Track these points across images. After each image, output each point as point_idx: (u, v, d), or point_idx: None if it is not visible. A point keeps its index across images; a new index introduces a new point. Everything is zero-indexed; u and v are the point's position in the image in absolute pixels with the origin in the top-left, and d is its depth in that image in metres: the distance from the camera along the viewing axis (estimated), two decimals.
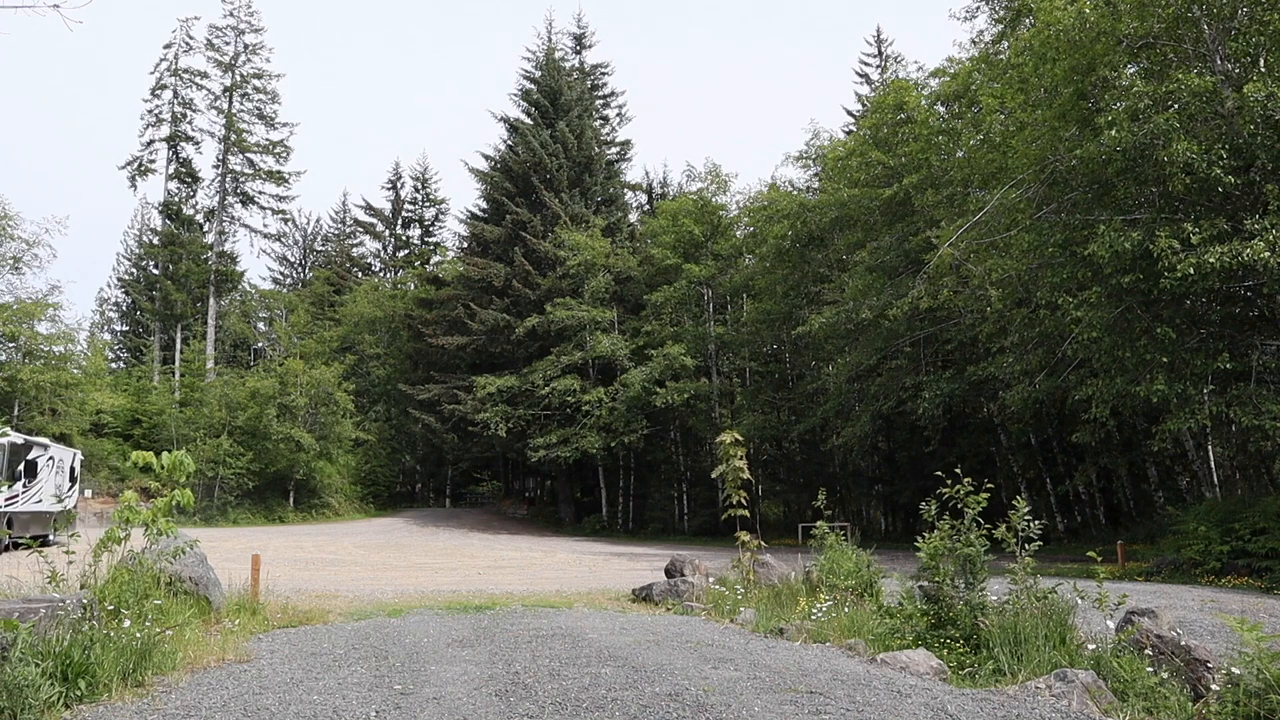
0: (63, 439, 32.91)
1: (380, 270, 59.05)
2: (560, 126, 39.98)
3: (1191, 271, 13.20)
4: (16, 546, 18.19)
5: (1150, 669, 6.40)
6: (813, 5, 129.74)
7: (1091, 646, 6.85)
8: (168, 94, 47.88)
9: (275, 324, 52.50)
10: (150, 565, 7.76)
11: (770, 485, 37.02)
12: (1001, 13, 22.64)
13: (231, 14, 48.83)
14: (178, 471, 8.24)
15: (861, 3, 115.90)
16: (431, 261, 55.46)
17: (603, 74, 47.63)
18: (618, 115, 48.01)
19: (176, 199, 48.19)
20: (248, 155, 48.50)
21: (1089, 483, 25.40)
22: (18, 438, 21.09)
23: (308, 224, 63.99)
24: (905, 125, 26.97)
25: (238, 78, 48.32)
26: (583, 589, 13.35)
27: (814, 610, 9.00)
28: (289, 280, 62.09)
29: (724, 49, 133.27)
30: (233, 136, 47.86)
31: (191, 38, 48.38)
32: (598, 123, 44.83)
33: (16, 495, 20.47)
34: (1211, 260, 13.01)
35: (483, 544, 28.43)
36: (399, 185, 58.69)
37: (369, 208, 58.89)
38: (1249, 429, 14.90)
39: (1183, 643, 6.78)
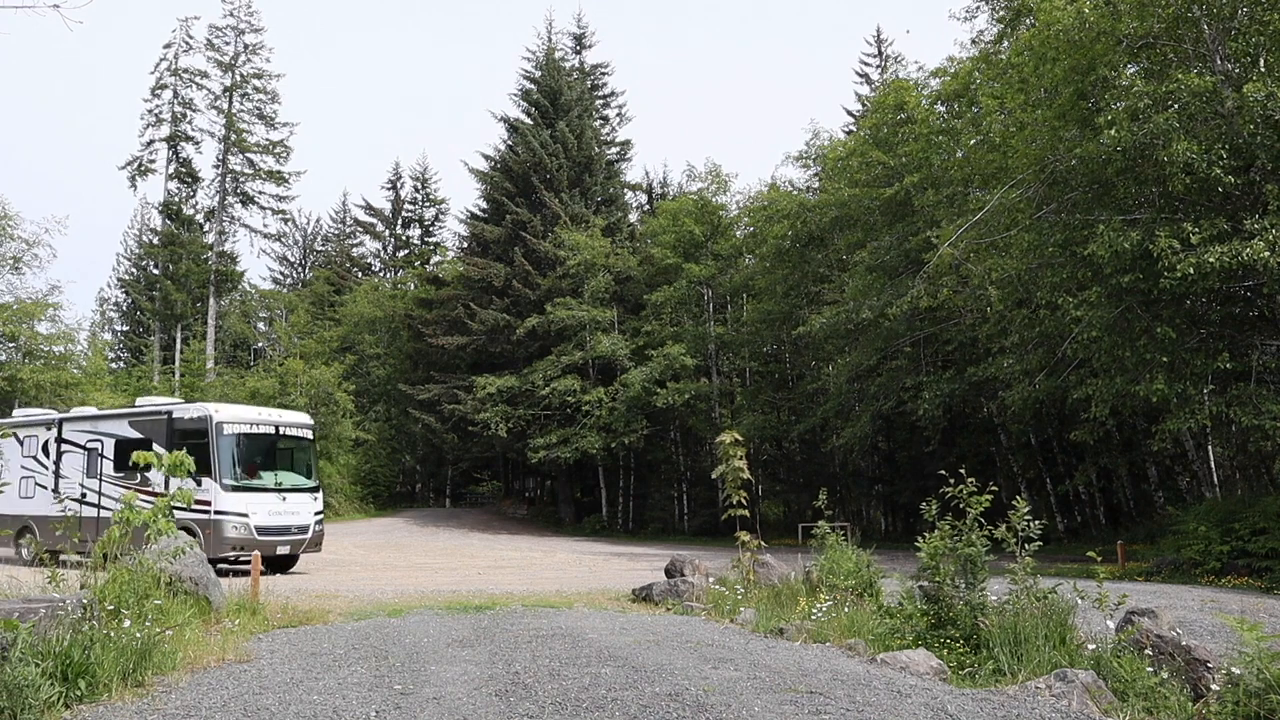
0: None
1: (380, 270, 59.00)
2: (560, 126, 39.95)
3: (1191, 271, 13.20)
4: None
5: (1150, 669, 6.41)
6: (813, 5, 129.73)
7: (1091, 646, 6.85)
8: (168, 94, 47.84)
9: (275, 324, 52.44)
10: (150, 565, 7.77)
11: (770, 485, 37.02)
12: (1001, 13, 22.62)
13: (231, 14, 48.79)
14: (178, 471, 8.26)
15: (861, 3, 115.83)
16: (431, 261, 55.38)
17: (603, 74, 47.60)
18: (618, 115, 47.98)
19: (176, 199, 48.16)
20: (248, 155, 48.45)
21: (1089, 483, 25.39)
22: None
23: (308, 224, 63.95)
24: (905, 125, 26.94)
25: (238, 78, 48.29)
26: (583, 589, 13.35)
27: (814, 610, 9.00)
28: (289, 280, 62.05)
29: (724, 49, 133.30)
30: (233, 136, 47.82)
31: (191, 38, 48.36)
32: (598, 123, 44.76)
33: None
34: (1211, 260, 13.01)
35: (483, 544, 28.43)
36: (399, 185, 58.65)
37: (369, 208, 58.87)
38: (1249, 429, 14.90)
39: (1183, 643, 6.79)
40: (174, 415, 16.25)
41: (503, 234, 38.75)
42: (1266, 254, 12.81)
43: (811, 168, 35.47)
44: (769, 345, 36.30)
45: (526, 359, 36.58)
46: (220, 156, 48.20)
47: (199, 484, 15.02)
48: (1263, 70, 14.58)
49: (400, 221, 58.44)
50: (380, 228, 58.65)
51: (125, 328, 57.24)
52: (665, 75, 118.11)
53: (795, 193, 34.40)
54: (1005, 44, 22.01)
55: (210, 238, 48.59)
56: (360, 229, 60.41)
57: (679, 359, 33.15)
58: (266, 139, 48.86)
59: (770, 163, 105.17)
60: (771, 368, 37.27)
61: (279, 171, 48.82)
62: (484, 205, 42.52)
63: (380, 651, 7.55)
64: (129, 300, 55.99)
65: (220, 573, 15.05)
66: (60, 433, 17.52)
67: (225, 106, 48.03)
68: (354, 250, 60.71)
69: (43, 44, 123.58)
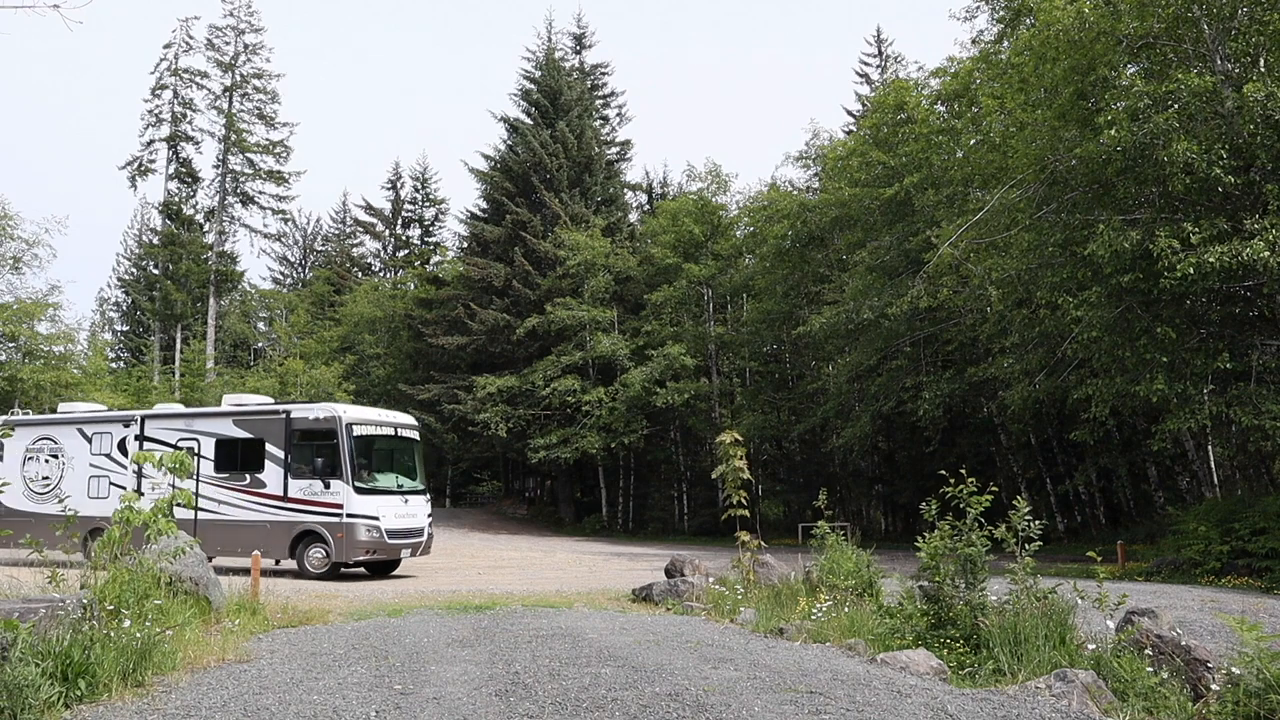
0: None
1: (380, 270, 59.01)
2: (560, 126, 39.94)
3: (1191, 271, 13.21)
4: None
5: (1150, 669, 6.41)
6: (813, 5, 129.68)
7: (1091, 646, 6.85)
8: (168, 94, 47.87)
9: (275, 324, 52.46)
10: (150, 565, 7.77)
11: (770, 485, 37.00)
12: (1001, 13, 22.63)
13: (231, 14, 48.83)
14: (178, 471, 8.26)
15: (861, 3, 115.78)
16: (431, 261, 55.38)
17: (603, 74, 47.57)
18: (618, 115, 47.96)
19: (176, 199, 48.18)
20: (248, 155, 48.47)
21: (1089, 483, 25.39)
22: None
23: (308, 224, 63.94)
24: (905, 125, 26.95)
25: (238, 78, 48.31)
26: (583, 589, 13.36)
27: (814, 610, 9.00)
28: (289, 280, 62.07)
29: (724, 49, 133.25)
30: (233, 136, 47.84)
31: (191, 38, 48.39)
32: (598, 123, 44.74)
33: None
34: (1211, 260, 13.01)
35: (483, 544, 28.42)
36: (399, 185, 58.64)
37: (369, 208, 58.87)
38: (1249, 429, 14.90)
39: (1183, 643, 6.79)
40: (293, 415, 15.77)
41: (503, 234, 38.74)
42: (1266, 254, 12.81)
43: (811, 168, 35.49)
44: (769, 345, 36.29)
45: (526, 359, 36.58)
46: (220, 156, 48.23)
47: (327, 486, 14.94)
48: (1263, 70, 14.58)
49: (400, 221, 58.44)
50: (380, 228, 58.66)
51: (125, 328, 57.27)
52: (665, 75, 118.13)
53: (795, 193, 34.41)
54: (1005, 44, 22.01)
55: (210, 238, 48.61)
56: (360, 229, 60.44)
57: (679, 359, 33.15)
58: (266, 139, 48.90)
59: (770, 163, 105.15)
60: (771, 368, 37.26)
61: (279, 171, 48.85)
62: (484, 205, 42.52)
63: (380, 651, 7.55)
64: (129, 300, 56.02)
65: (339, 575, 15.01)
66: (143, 430, 16.86)
67: (225, 106, 48.05)
68: (354, 250, 60.73)
69: (43, 44, 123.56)
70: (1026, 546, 7.57)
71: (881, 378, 26.91)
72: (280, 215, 50.83)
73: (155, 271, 49.69)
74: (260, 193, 49.07)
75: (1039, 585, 7.43)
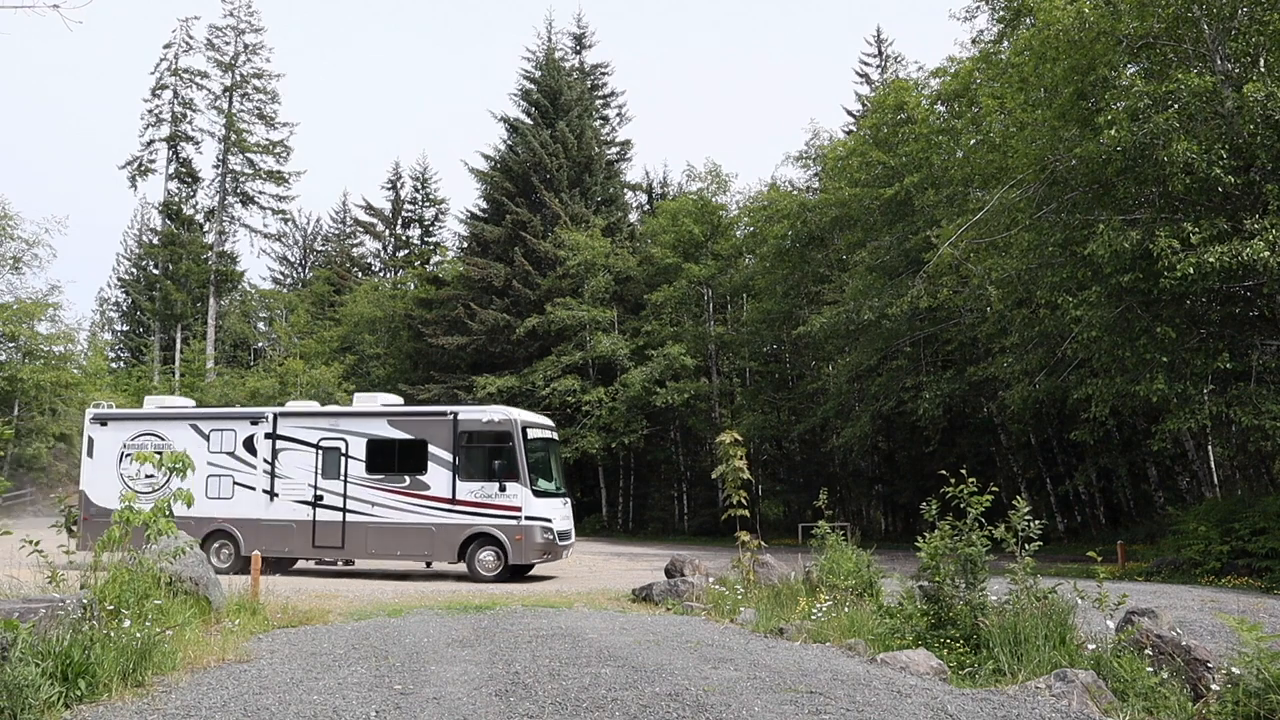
0: (64, 439, 32.86)
1: (380, 270, 58.95)
2: (560, 126, 39.94)
3: (1191, 271, 13.21)
4: None
5: (1150, 669, 6.41)
6: (813, 5, 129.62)
7: (1091, 646, 6.85)
8: (168, 94, 47.95)
9: (275, 324, 52.46)
10: (150, 565, 7.77)
11: (770, 485, 36.99)
12: (1001, 13, 22.62)
13: (231, 14, 48.91)
14: (178, 471, 8.25)
15: (861, 3, 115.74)
16: (431, 261, 55.33)
17: (603, 74, 47.56)
18: (618, 115, 47.94)
19: (176, 199, 48.24)
20: (248, 155, 48.52)
21: (1089, 483, 25.39)
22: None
23: (308, 224, 63.86)
24: (905, 125, 26.95)
25: (238, 78, 48.36)
26: (583, 589, 13.37)
27: (814, 610, 9.00)
28: (289, 280, 62.02)
29: (724, 48, 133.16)
30: (233, 136, 47.88)
31: (191, 38, 48.46)
32: (598, 123, 44.74)
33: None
34: (1211, 260, 13.02)
35: None
36: (399, 185, 58.60)
37: (369, 208, 58.79)
38: (1249, 429, 14.90)
39: (1183, 643, 6.79)
40: (461, 417, 15.58)
41: (503, 234, 38.74)
42: (1266, 254, 12.81)
43: (811, 168, 35.48)
44: (769, 345, 36.28)
45: (526, 359, 36.57)
46: (220, 156, 48.28)
47: (503, 489, 14.98)
48: (1263, 70, 14.59)
49: (400, 221, 58.40)
50: (380, 228, 58.61)
51: (125, 328, 57.30)
52: (665, 75, 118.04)
53: (795, 193, 34.39)
54: (1005, 44, 22.00)
55: (210, 238, 48.66)
56: (360, 229, 60.37)
57: (679, 359, 33.13)
58: (266, 139, 48.94)
59: (770, 163, 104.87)
60: (771, 368, 37.25)
61: (279, 171, 48.90)
62: (484, 205, 42.50)
63: (380, 651, 7.55)
64: (129, 300, 56.07)
65: (509, 578, 15.15)
66: (275, 428, 16.31)
67: (225, 106, 48.09)
68: (354, 250, 60.66)
69: (43, 44, 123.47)
70: (1026, 546, 7.57)
71: (881, 378, 26.90)
72: (280, 215, 50.97)
73: (155, 271, 49.74)
74: (260, 193, 49.17)
75: (1039, 585, 7.44)
